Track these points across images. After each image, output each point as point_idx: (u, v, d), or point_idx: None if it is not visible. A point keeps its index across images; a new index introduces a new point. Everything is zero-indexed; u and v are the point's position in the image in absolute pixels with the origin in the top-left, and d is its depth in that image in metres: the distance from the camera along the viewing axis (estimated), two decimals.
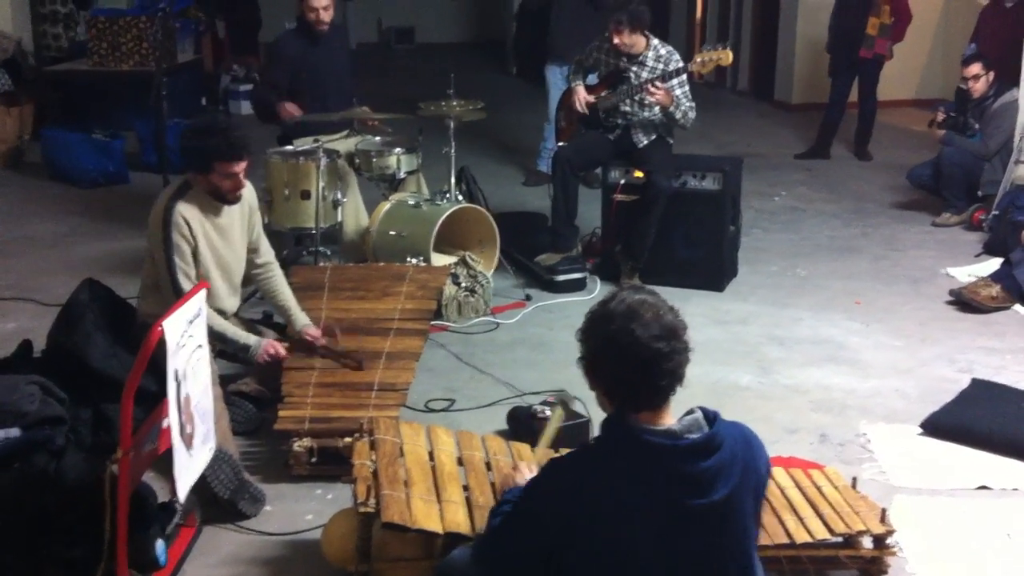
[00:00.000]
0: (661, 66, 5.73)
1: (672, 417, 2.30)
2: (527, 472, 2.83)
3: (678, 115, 5.73)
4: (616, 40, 5.71)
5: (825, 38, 9.09)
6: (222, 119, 3.99)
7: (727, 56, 5.69)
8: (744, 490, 2.27)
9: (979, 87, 7.08)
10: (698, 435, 2.25)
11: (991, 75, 7.07)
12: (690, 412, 2.31)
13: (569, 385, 4.46)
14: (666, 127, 5.87)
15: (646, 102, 5.70)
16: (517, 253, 6.09)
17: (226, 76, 10.90)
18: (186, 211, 3.96)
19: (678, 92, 5.71)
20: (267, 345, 4.14)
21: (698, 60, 5.72)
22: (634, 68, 5.78)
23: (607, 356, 2.28)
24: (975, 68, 7.05)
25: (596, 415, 4.07)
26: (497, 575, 2.44)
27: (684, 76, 5.73)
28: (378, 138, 6.13)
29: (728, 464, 2.25)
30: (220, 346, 4.13)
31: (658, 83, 5.61)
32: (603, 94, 5.94)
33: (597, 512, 2.20)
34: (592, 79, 6.15)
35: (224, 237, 4.12)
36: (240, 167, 3.99)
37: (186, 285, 3.89)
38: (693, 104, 5.79)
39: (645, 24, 5.71)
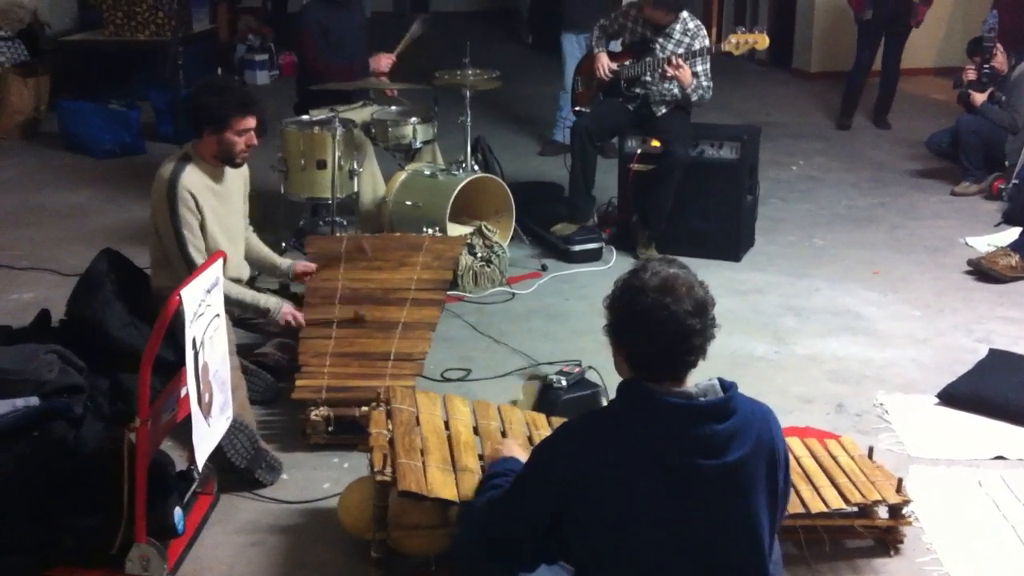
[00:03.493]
0: (687, 39, 5.68)
1: (689, 384, 2.31)
2: (515, 448, 2.84)
3: (694, 97, 5.71)
4: (648, 12, 5.67)
5: (844, 7, 8.98)
6: (231, 78, 4.07)
7: (764, 40, 5.64)
8: (757, 459, 2.27)
9: (999, 60, 7.00)
10: (713, 398, 2.26)
11: (1000, 47, 6.99)
12: (708, 380, 2.31)
13: (584, 355, 4.47)
14: (684, 98, 5.83)
15: (668, 74, 5.66)
16: (533, 223, 6.08)
17: (242, 46, 10.87)
18: (190, 184, 3.94)
19: (699, 68, 5.68)
20: (287, 310, 4.16)
21: (732, 41, 5.65)
22: (660, 39, 5.73)
23: (637, 327, 2.27)
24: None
25: (612, 386, 4.09)
26: (503, 535, 2.44)
27: (707, 52, 5.68)
28: (394, 108, 6.11)
29: (742, 430, 2.25)
30: (240, 313, 4.15)
31: (681, 60, 5.57)
32: (626, 63, 5.88)
33: (608, 471, 2.21)
34: (613, 46, 6.11)
35: (227, 204, 4.12)
36: (254, 122, 4.00)
37: (197, 258, 3.90)
38: (711, 84, 5.75)
39: (681, 7, 5.68)
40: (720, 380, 2.31)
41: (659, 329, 2.23)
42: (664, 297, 2.22)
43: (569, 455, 2.28)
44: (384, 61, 6.06)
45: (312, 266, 4.46)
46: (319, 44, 5.97)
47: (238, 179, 4.21)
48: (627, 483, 2.21)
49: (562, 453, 2.30)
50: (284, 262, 4.49)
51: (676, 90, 5.75)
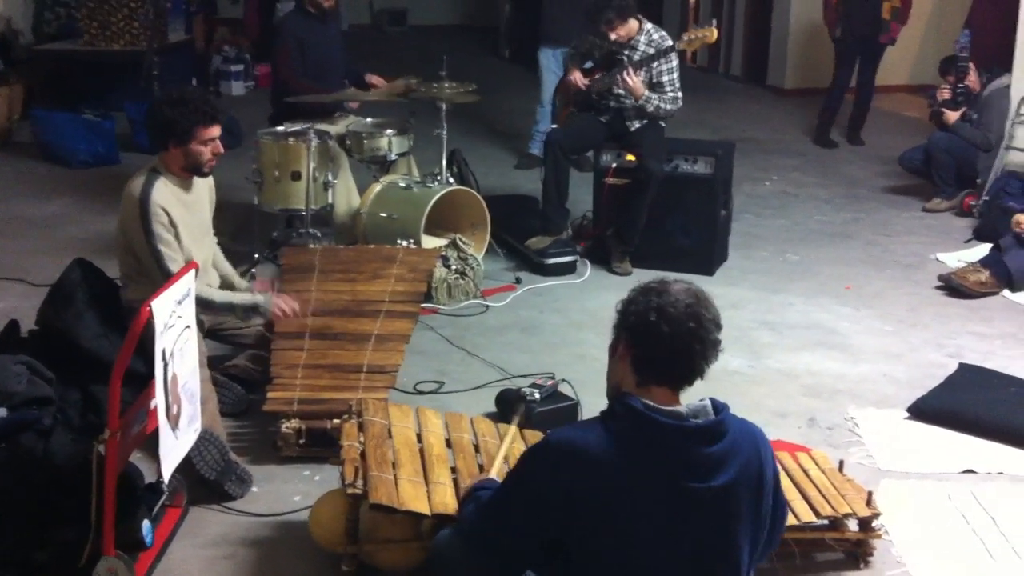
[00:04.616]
0: (652, 50, 5.72)
1: (682, 404, 2.32)
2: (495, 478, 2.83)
3: (649, 108, 5.74)
4: (614, 36, 5.71)
5: (818, 24, 9.05)
6: (191, 88, 4.00)
7: (712, 34, 5.71)
8: (743, 485, 2.27)
9: (971, 79, 7.07)
10: (704, 420, 2.26)
11: (972, 66, 7.06)
12: (701, 400, 2.32)
13: (557, 368, 4.47)
14: (654, 111, 5.85)
15: (627, 84, 5.68)
16: (508, 236, 6.08)
17: (217, 57, 10.85)
18: (162, 200, 3.90)
19: (665, 79, 5.72)
20: (277, 300, 4.14)
21: (684, 38, 5.76)
22: (626, 51, 5.77)
23: (661, 328, 2.26)
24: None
25: (585, 399, 4.09)
26: (488, 551, 2.43)
27: (675, 63, 5.73)
28: (369, 120, 6.12)
29: (731, 454, 2.25)
30: (228, 315, 4.12)
31: (634, 71, 5.62)
32: (597, 77, 5.93)
33: (594, 485, 2.20)
34: (588, 64, 6.15)
35: (196, 213, 4.10)
36: (219, 131, 3.99)
37: (175, 270, 3.87)
38: (679, 95, 5.79)
39: (633, 10, 5.72)
40: (713, 401, 2.32)
41: (685, 332, 2.25)
42: (697, 306, 2.28)
43: (555, 465, 2.26)
44: (376, 80, 6.12)
45: (265, 286, 4.42)
46: (295, 58, 5.97)
47: (204, 185, 4.19)
48: (615, 500, 2.20)
49: (548, 462, 2.29)
50: (242, 283, 4.42)
51: (630, 100, 5.78)
